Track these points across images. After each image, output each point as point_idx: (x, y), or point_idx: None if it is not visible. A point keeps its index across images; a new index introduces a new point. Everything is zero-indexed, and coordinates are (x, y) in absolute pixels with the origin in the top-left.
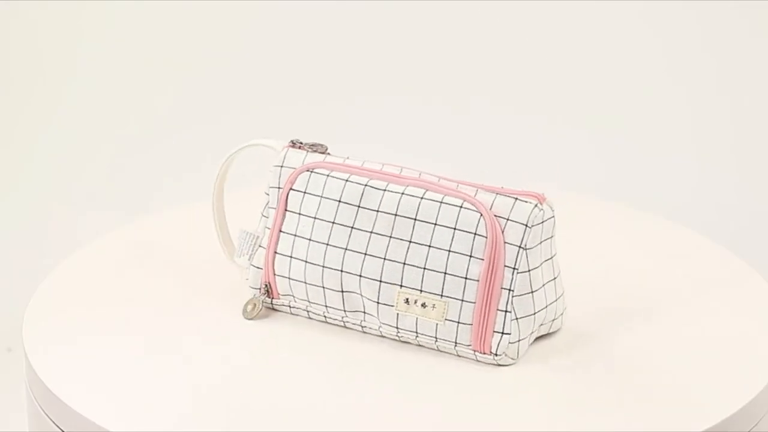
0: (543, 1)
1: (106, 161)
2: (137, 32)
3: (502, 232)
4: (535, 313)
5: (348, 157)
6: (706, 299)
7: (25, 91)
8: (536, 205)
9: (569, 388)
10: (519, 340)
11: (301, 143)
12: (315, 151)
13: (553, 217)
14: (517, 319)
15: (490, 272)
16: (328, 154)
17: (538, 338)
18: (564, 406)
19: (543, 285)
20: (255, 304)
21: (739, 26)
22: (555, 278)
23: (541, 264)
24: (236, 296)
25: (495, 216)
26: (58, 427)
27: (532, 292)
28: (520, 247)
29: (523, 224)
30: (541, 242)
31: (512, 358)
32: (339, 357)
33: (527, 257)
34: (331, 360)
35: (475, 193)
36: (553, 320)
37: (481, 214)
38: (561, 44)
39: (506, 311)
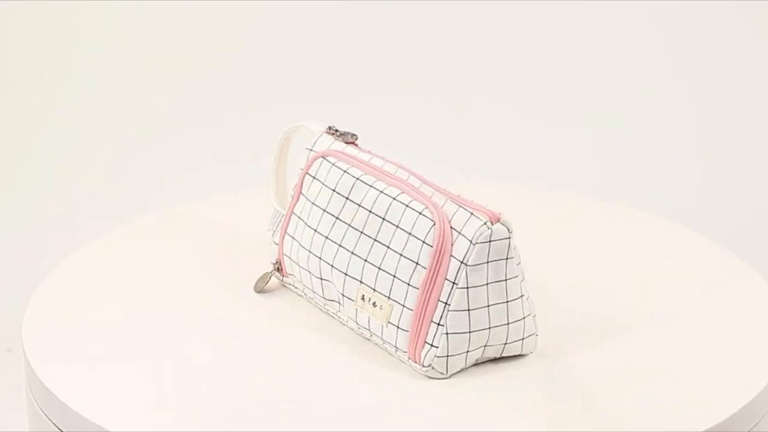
0: (543, 1)
1: (106, 161)
2: (137, 32)
3: (452, 244)
4: (470, 332)
5: (369, 151)
6: (705, 299)
7: (25, 91)
8: (485, 223)
9: (569, 387)
10: (448, 356)
11: (336, 130)
12: (343, 140)
13: (509, 239)
14: (447, 333)
15: (429, 282)
16: (355, 144)
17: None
18: (562, 406)
19: (486, 306)
20: (264, 278)
21: (739, 26)
22: (507, 302)
23: (487, 284)
24: (237, 296)
25: (451, 228)
26: (57, 427)
27: (468, 310)
28: (462, 262)
29: (468, 240)
30: (488, 262)
31: (441, 373)
32: (323, 349)
33: (467, 274)
34: (319, 354)
35: (444, 203)
36: (506, 344)
37: (434, 223)
38: (561, 44)
39: (439, 324)
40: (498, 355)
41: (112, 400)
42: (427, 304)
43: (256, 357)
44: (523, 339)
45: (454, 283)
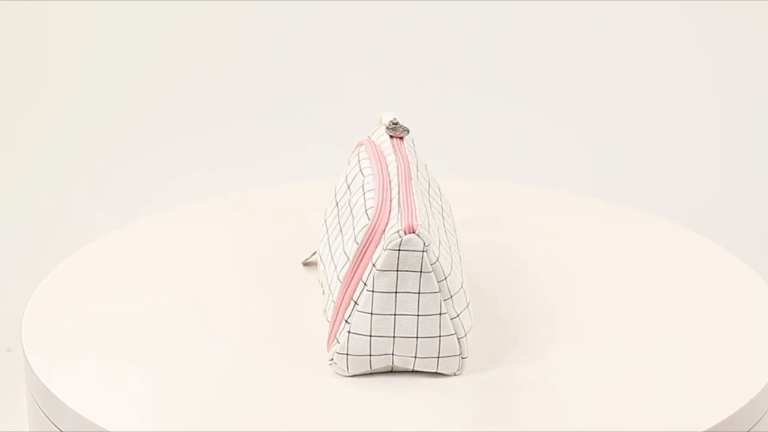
0: (542, 1)
1: (106, 161)
2: (137, 33)
3: (376, 246)
4: (371, 336)
5: (406, 147)
6: (705, 299)
7: (25, 91)
8: (398, 231)
9: (568, 387)
10: (347, 354)
11: (394, 123)
12: (391, 132)
13: (423, 252)
14: (350, 332)
15: (347, 279)
16: (398, 138)
17: (536, 332)
18: (561, 406)
19: (393, 314)
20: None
21: (734, 26)
22: (418, 315)
23: (396, 293)
24: (237, 296)
25: (382, 230)
26: (57, 427)
27: (371, 313)
28: (373, 264)
29: (381, 244)
30: (398, 270)
31: (342, 369)
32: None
33: (374, 277)
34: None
35: (398, 204)
36: (416, 358)
37: (367, 223)
38: (562, 45)
39: (346, 321)
40: (412, 368)
41: (112, 400)
42: (343, 300)
43: (257, 357)
44: (438, 357)
45: (364, 283)
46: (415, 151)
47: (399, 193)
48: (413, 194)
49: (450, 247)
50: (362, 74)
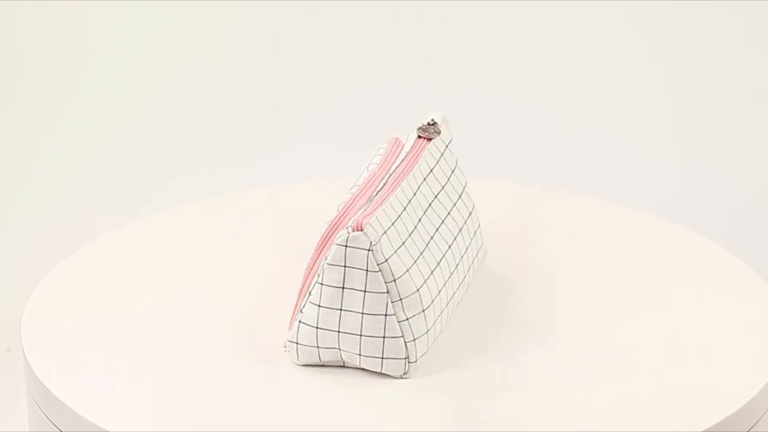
0: (542, 1)
1: (106, 161)
2: (137, 33)
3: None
4: (317, 328)
5: (420, 147)
6: (704, 299)
7: (25, 91)
8: (348, 227)
9: (567, 387)
10: (297, 343)
11: (430, 123)
12: (421, 132)
13: (369, 251)
14: (300, 321)
15: (308, 270)
16: (426, 139)
17: (534, 332)
18: (561, 406)
19: (339, 309)
20: None
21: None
22: (363, 313)
23: (342, 288)
24: (237, 296)
25: (344, 225)
26: (57, 427)
27: (319, 305)
28: (326, 258)
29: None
30: (345, 266)
31: (294, 357)
32: None
33: (324, 271)
34: None
35: (368, 204)
36: (360, 356)
37: (332, 219)
38: (562, 44)
39: (301, 311)
40: (359, 366)
41: (111, 400)
42: (302, 290)
43: (257, 357)
44: (383, 358)
45: (318, 275)
46: (444, 154)
47: (378, 193)
48: (390, 195)
49: (428, 254)
50: (362, 74)
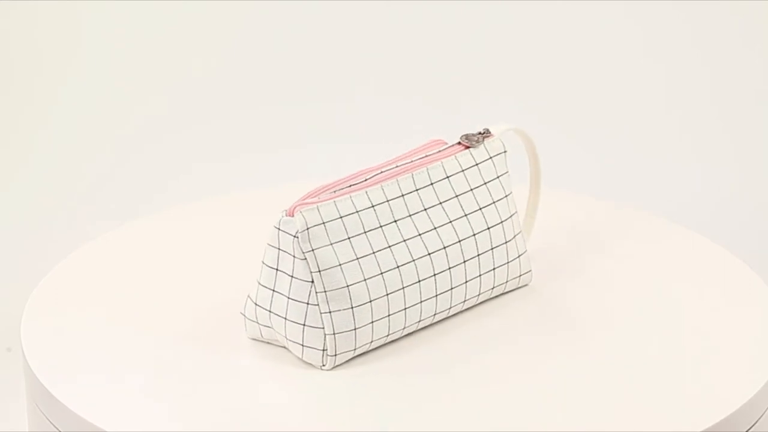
0: (542, 1)
1: (106, 161)
2: (138, 33)
3: None
4: (256, 304)
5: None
6: (704, 299)
7: (24, 91)
8: (284, 211)
9: (568, 387)
10: (245, 316)
11: (479, 132)
12: (462, 138)
13: (294, 237)
14: (248, 296)
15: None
16: (464, 146)
17: (533, 331)
18: (562, 406)
19: (272, 290)
20: None
21: (734, 27)
22: (289, 298)
23: (277, 270)
24: (237, 296)
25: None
26: (56, 427)
27: (259, 282)
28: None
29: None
30: (279, 249)
31: (243, 328)
32: None
33: (265, 250)
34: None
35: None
36: (287, 338)
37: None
38: (562, 45)
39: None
40: (288, 348)
41: (110, 400)
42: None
43: (256, 357)
44: (303, 345)
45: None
46: (481, 165)
47: (349, 186)
48: (359, 190)
49: (386, 257)
50: (362, 74)
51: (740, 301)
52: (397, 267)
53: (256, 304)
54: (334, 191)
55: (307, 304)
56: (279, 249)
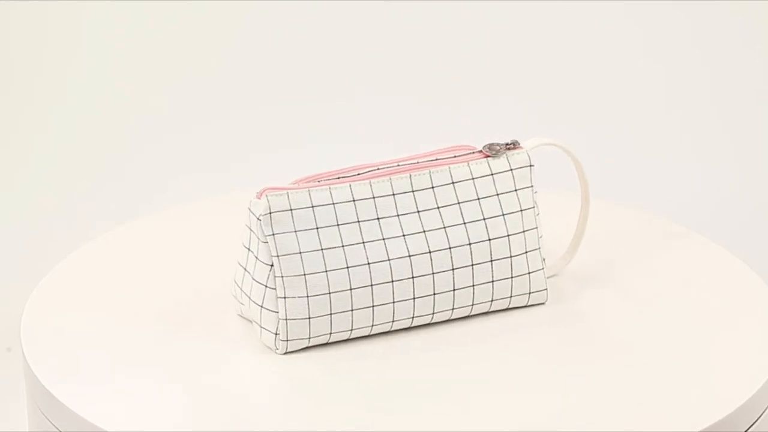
0: (542, 1)
1: (106, 161)
2: (138, 33)
3: None
4: (234, 282)
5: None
6: (705, 299)
7: (24, 90)
8: (257, 192)
9: (568, 387)
10: (234, 295)
11: (506, 143)
12: (484, 146)
13: (259, 220)
14: (233, 279)
15: None
16: (485, 155)
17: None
18: (562, 406)
19: (244, 268)
20: None
21: (735, 27)
22: (253, 279)
23: (248, 249)
24: None
25: None
26: (56, 427)
27: (237, 262)
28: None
29: None
30: (250, 229)
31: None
32: None
33: (250, 236)
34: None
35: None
36: (252, 319)
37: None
38: (562, 45)
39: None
40: (272, 346)
41: (110, 400)
42: None
43: (256, 357)
44: (261, 327)
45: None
46: (497, 176)
47: (338, 178)
48: (341, 183)
49: (356, 252)
50: (362, 74)
51: (740, 301)
52: (368, 264)
53: (234, 282)
54: (319, 181)
55: (266, 286)
56: (250, 229)
